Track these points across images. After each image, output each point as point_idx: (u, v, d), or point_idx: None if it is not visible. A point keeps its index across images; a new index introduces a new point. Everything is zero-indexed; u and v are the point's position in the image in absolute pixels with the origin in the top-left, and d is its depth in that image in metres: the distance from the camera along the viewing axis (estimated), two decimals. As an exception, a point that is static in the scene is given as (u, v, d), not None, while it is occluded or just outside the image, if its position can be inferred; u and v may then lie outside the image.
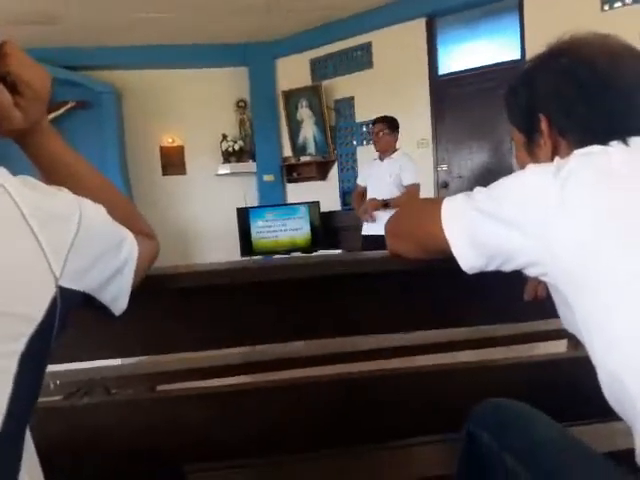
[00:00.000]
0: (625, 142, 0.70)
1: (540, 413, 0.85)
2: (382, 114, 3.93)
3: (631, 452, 0.66)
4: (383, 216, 3.62)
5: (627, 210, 0.65)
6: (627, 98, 0.73)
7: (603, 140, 0.71)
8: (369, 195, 3.96)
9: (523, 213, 0.69)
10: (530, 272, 0.74)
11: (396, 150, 3.92)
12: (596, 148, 0.71)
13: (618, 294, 0.64)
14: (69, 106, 5.37)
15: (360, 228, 4.13)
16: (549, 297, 0.79)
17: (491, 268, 0.76)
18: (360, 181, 4.19)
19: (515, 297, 0.88)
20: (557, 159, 0.73)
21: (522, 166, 0.84)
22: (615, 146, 0.70)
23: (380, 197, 3.81)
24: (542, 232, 0.67)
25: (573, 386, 1.07)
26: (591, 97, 0.74)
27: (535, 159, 0.82)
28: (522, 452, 0.78)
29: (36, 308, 0.51)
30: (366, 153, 5.48)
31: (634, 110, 0.73)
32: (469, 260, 0.76)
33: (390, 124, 3.85)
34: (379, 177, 3.89)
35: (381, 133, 3.84)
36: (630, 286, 0.63)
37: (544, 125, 0.80)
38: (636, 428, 0.65)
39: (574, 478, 0.73)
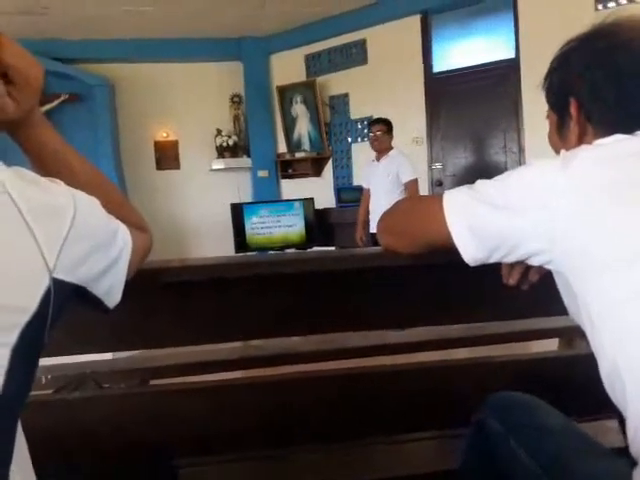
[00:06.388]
0: None
1: (548, 405, 0.85)
2: (377, 111, 4.07)
3: (622, 451, 0.67)
4: None
5: (631, 197, 0.65)
6: None
7: (629, 128, 0.71)
8: (372, 195, 4.19)
9: (528, 202, 0.69)
10: (533, 261, 0.74)
11: (391, 149, 4.12)
12: (610, 139, 0.71)
13: (619, 280, 0.64)
14: (62, 99, 5.32)
15: (354, 225, 4.37)
16: (537, 287, 0.79)
17: (494, 260, 0.76)
18: (364, 184, 4.39)
19: (512, 295, 0.88)
20: (563, 152, 0.73)
21: (553, 147, 0.84)
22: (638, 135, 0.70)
23: (381, 196, 3.99)
24: (547, 219, 0.68)
25: (565, 384, 1.07)
26: (621, 83, 0.73)
27: (565, 141, 0.82)
28: (528, 438, 0.78)
29: (29, 299, 0.51)
30: (361, 150, 5.48)
31: None
32: (472, 252, 0.75)
33: (386, 125, 4.09)
34: (378, 178, 4.12)
35: (379, 133, 4.06)
36: (631, 269, 0.63)
37: (573, 109, 0.79)
38: (627, 415, 0.66)
39: (578, 465, 0.73)
